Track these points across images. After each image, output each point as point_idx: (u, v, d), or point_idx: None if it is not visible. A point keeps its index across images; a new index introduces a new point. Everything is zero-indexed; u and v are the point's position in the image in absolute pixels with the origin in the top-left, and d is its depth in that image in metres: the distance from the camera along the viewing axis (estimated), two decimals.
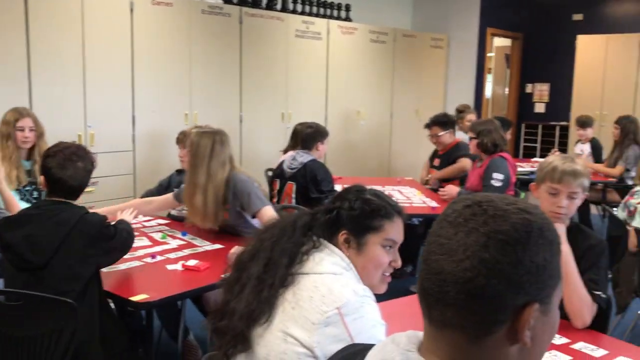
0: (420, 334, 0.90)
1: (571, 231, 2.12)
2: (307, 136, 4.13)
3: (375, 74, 7.29)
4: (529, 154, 8.68)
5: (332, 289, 1.46)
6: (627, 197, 3.70)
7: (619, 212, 3.67)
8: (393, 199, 1.72)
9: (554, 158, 2.15)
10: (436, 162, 4.90)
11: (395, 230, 1.64)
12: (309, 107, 6.38)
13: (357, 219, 1.60)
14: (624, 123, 5.66)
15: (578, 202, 2.09)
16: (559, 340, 1.91)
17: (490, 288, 0.80)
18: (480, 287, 0.80)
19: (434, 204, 4.13)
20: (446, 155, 4.81)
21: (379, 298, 2.31)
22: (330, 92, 6.71)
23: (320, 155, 4.19)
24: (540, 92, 8.99)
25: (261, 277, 1.50)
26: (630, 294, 3.35)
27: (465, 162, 4.69)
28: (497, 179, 4.02)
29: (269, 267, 1.51)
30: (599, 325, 2.08)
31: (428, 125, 4.83)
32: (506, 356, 0.83)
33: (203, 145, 3.00)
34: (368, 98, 7.22)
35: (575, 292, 1.99)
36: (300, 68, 6.36)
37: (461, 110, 5.91)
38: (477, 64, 8.29)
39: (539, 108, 9.03)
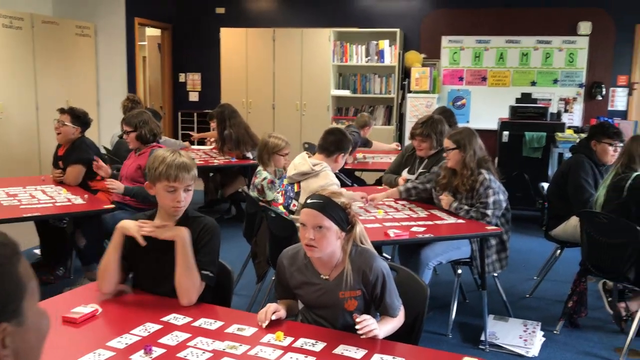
0: None
1: (186, 219, 2.30)
2: None
3: (12, 64, 6.63)
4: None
5: None
6: (253, 178, 4.13)
7: (251, 192, 4.08)
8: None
9: (164, 154, 2.27)
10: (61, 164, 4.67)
11: None
12: None
13: None
14: (217, 112, 6.18)
15: (192, 192, 2.28)
16: (182, 320, 2.05)
17: None
18: None
19: (80, 201, 3.98)
20: (66, 154, 4.62)
21: None
22: None
23: None
24: (193, 81, 9.37)
25: None
26: (266, 264, 3.77)
27: (76, 170, 4.50)
28: None
29: None
30: (221, 300, 2.32)
31: (62, 110, 4.61)
32: None
33: None
34: (7, 90, 6.54)
35: (186, 275, 2.18)
36: None
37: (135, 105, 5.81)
38: (127, 54, 8.20)
39: (193, 97, 9.41)
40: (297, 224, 3.28)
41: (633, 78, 7.84)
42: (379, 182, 5.43)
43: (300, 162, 3.67)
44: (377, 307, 2.16)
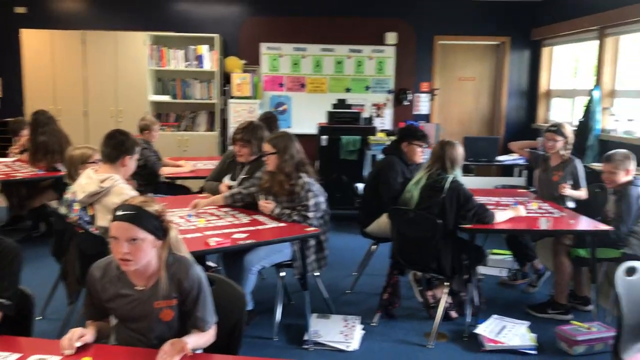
0: None
1: None
2: None
3: None
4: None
5: None
6: (64, 193, 3.78)
7: (62, 209, 3.75)
8: None
9: None
10: None
11: None
12: None
13: None
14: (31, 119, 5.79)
15: None
16: None
17: None
18: None
19: None
20: None
21: None
22: None
23: None
24: None
25: None
26: (77, 283, 3.50)
27: None
28: None
29: None
30: (20, 329, 2.10)
31: None
32: None
33: None
34: None
35: None
36: None
37: None
38: None
39: None
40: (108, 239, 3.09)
41: (434, 84, 8.60)
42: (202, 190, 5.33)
43: (87, 182, 3.36)
44: (189, 318, 2.10)
